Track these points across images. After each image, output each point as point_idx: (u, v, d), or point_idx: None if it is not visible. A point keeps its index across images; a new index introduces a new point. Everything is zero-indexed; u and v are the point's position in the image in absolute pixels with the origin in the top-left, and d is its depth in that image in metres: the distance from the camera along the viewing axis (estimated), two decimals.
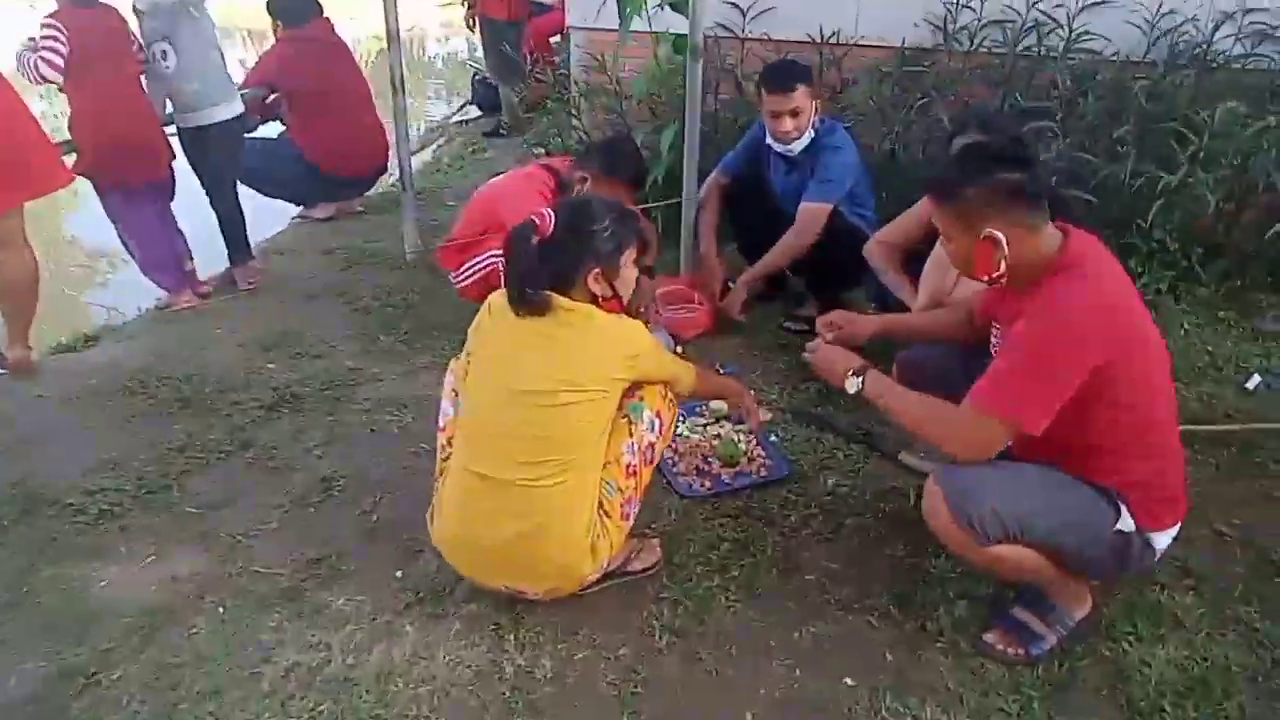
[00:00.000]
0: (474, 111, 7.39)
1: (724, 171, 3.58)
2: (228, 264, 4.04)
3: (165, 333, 3.59)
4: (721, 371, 3.26)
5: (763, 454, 2.76)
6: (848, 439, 2.86)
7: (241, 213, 3.96)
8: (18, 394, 3.14)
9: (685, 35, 3.83)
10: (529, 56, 5.77)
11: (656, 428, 2.17)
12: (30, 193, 3.05)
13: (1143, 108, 3.54)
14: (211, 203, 3.87)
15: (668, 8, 3.71)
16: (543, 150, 5.97)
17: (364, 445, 2.84)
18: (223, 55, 3.80)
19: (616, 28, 4.48)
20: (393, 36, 3.85)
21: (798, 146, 3.28)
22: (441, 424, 2.26)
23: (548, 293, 1.99)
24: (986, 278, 1.90)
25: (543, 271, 1.99)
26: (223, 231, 3.92)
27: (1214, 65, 3.74)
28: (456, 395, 2.23)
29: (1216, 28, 3.73)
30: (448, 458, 2.20)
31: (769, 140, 3.35)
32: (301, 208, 4.83)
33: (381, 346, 3.45)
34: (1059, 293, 1.80)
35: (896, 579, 2.26)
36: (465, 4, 6.64)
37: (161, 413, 3.00)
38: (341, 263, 4.25)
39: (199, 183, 3.84)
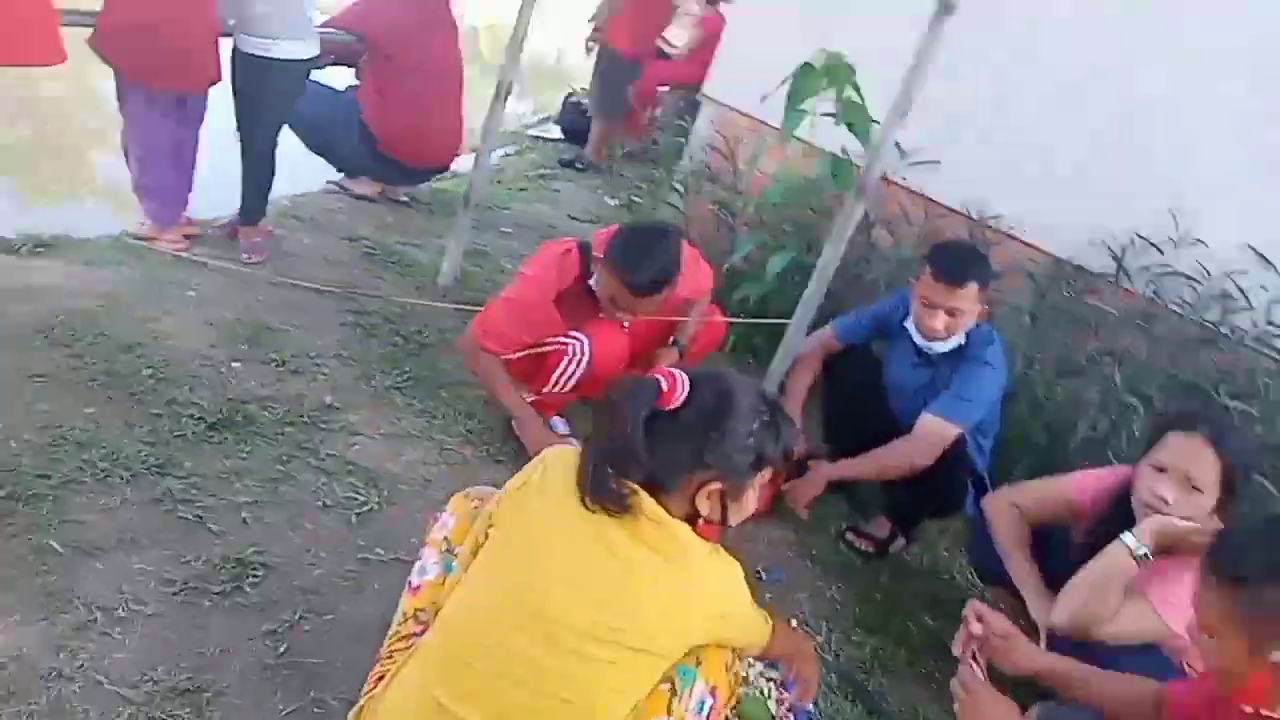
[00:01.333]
0: (554, 131, 6.82)
1: (838, 334, 2.98)
2: (235, 219, 3.37)
3: (128, 275, 2.90)
4: (764, 577, 2.63)
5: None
6: None
7: (273, 169, 3.31)
8: None
9: (846, 160, 3.33)
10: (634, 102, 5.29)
11: (705, 709, 1.51)
12: None
13: None
14: (243, 146, 3.20)
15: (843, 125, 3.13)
16: (616, 201, 5.48)
17: (307, 524, 2.16)
18: None
19: (756, 115, 3.99)
20: (519, 40, 3.26)
21: (943, 346, 2.70)
22: (415, 581, 1.60)
23: (635, 490, 1.36)
24: (1247, 708, 1.30)
25: (645, 458, 1.36)
26: (245, 182, 3.27)
27: None
28: (450, 553, 1.58)
29: None
30: (410, 637, 1.54)
31: (908, 324, 2.77)
32: (341, 175, 4.18)
33: (373, 386, 2.77)
34: None
35: None
36: (594, 28, 6.08)
37: (75, 383, 2.31)
38: (364, 259, 3.59)
39: (236, 118, 3.18)
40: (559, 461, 1.46)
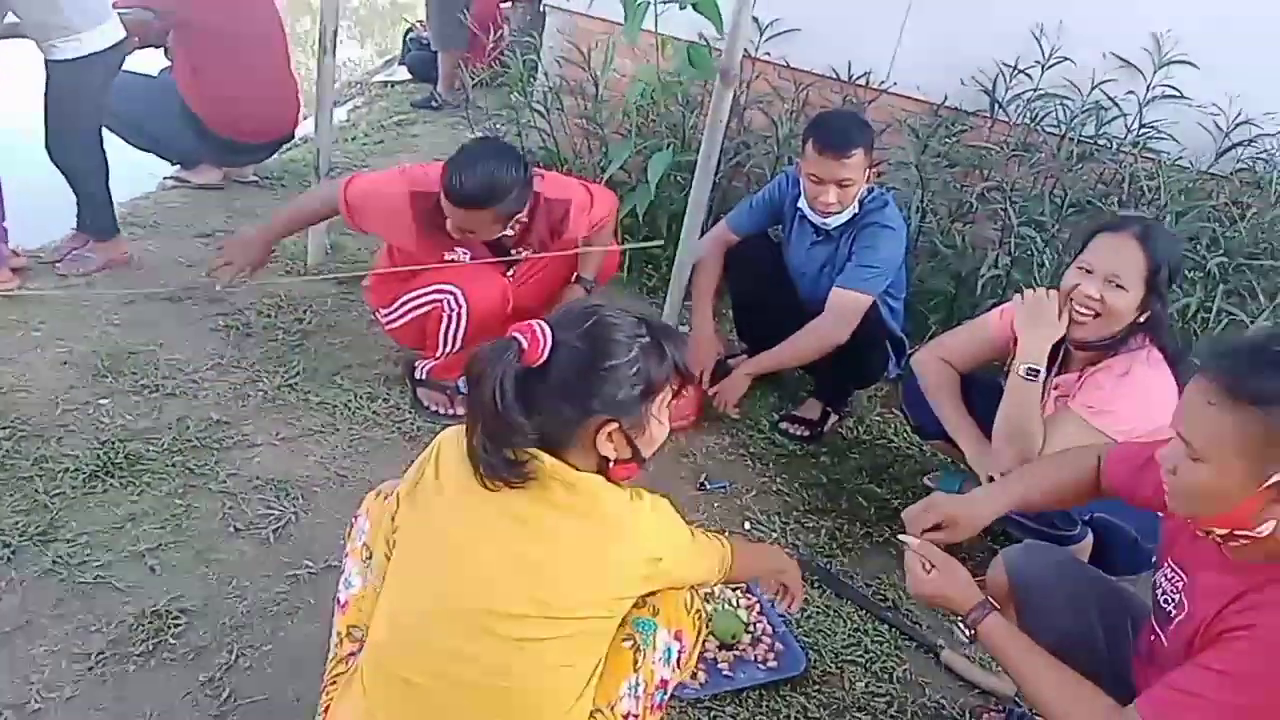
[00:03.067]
0: (402, 73, 6.42)
1: (732, 228, 2.88)
2: (76, 237, 3.05)
3: None
4: (708, 487, 2.58)
5: (770, 633, 2.09)
6: (873, 614, 2.23)
7: (107, 173, 2.98)
8: None
9: (701, 46, 3.17)
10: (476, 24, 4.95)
11: (674, 656, 1.45)
12: None
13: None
14: (59, 155, 2.86)
15: (689, 7, 2.95)
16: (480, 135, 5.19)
17: (221, 555, 2.00)
18: None
19: (604, 16, 3.78)
20: None
21: (839, 219, 2.63)
22: (342, 597, 1.48)
23: (533, 455, 1.26)
24: (1220, 530, 1.28)
25: (528, 421, 1.25)
26: (78, 196, 2.95)
27: None
28: (369, 557, 1.46)
29: None
30: (347, 658, 1.43)
31: (801, 204, 2.68)
32: (177, 168, 3.82)
33: (261, 391, 2.57)
34: None
35: None
36: None
37: None
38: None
39: (47, 133, 2.82)
40: (452, 444, 1.34)
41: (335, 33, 3.05)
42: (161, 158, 3.77)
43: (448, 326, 2.54)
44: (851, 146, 2.49)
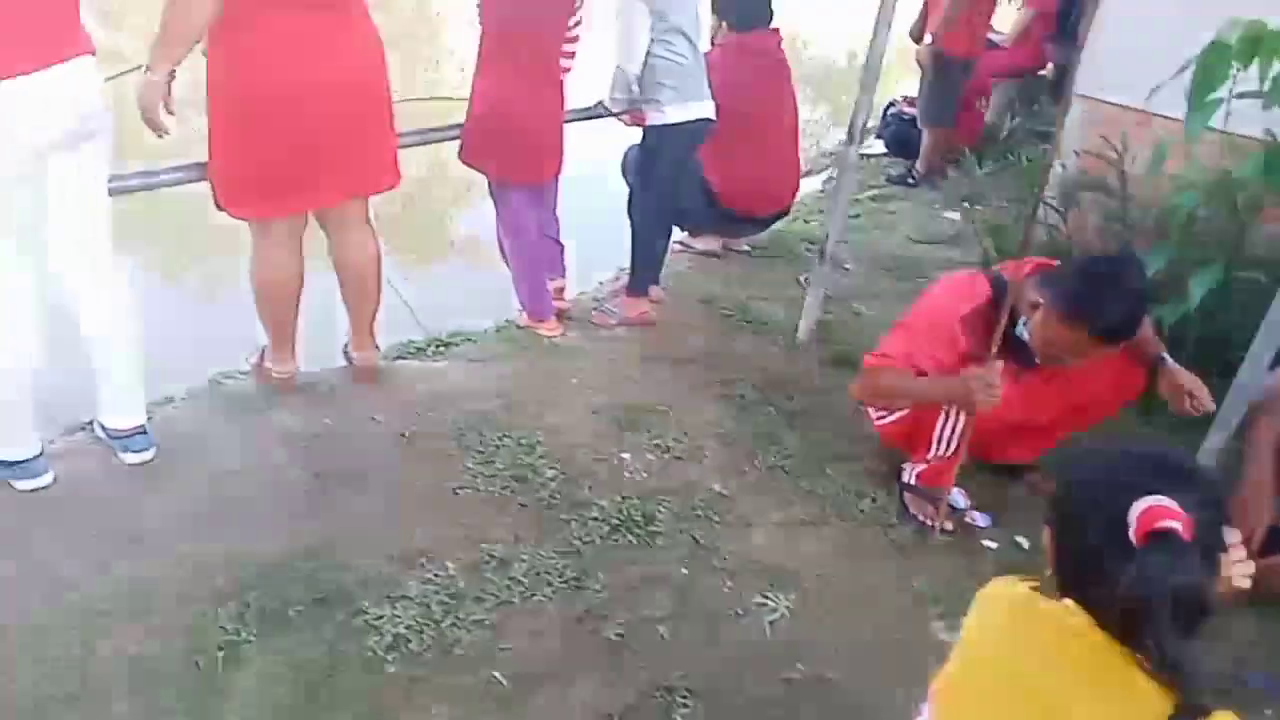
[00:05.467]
0: (877, 145, 6.44)
1: None
2: (622, 288, 3.47)
3: (517, 368, 3.02)
4: (1252, 684, 2.15)
5: None
6: None
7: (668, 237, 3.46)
8: (350, 410, 2.68)
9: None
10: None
11: None
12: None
13: None
14: (633, 211, 3.37)
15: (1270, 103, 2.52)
16: (956, 215, 5.02)
17: (724, 636, 2.06)
18: None
19: (1147, 108, 3.41)
20: (874, 72, 3.01)
21: None
22: None
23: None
24: None
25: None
26: (633, 252, 3.41)
27: None
28: None
29: None
30: None
31: None
32: (684, 234, 4.16)
33: (757, 468, 2.65)
34: None
35: None
36: (922, 35, 5.52)
37: (481, 493, 2.39)
38: (720, 321, 3.52)
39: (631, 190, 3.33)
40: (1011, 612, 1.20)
41: (865, 127, 3.10)
42: (677, 225, 4.12)
43: (943, 426, 2.40)
44: None
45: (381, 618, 1.94)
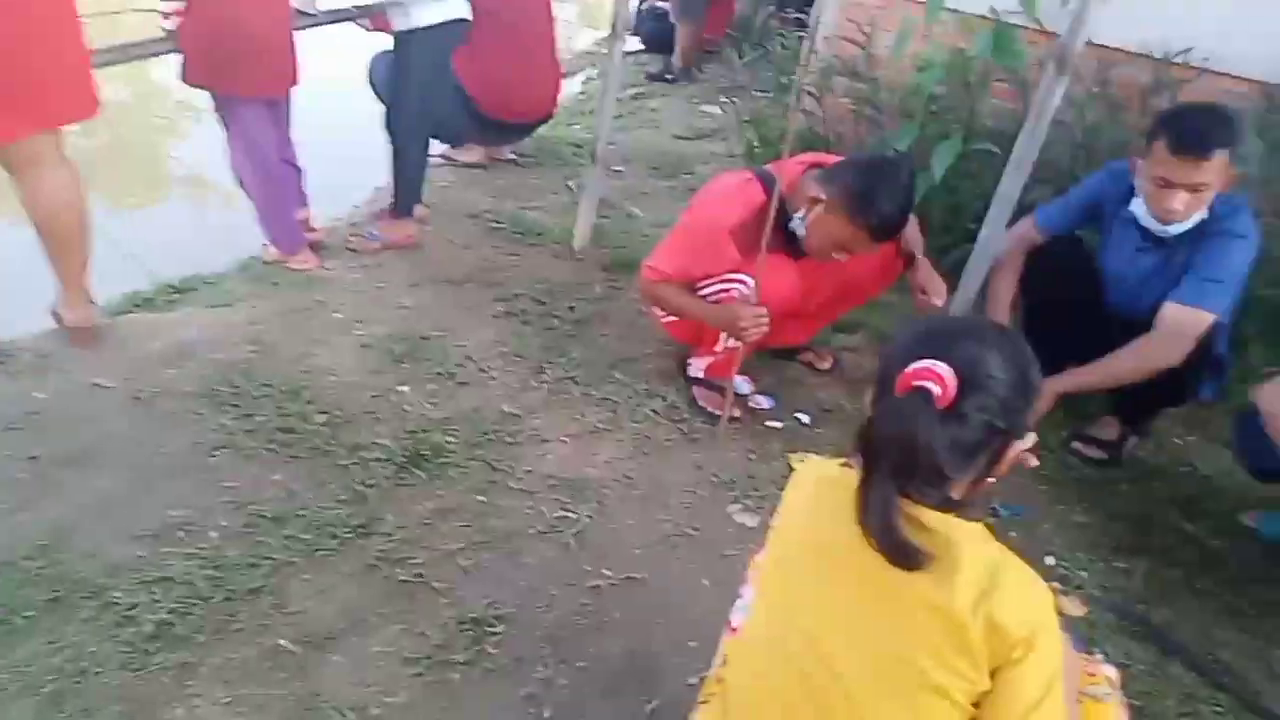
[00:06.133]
0: (633, 43, 6.36)
1: (1041, 226, 2.61)
2: (383, 210, 3.21)
3: (269, 309, 2.74)
4: (1003, 514, 2.37)
5: (1121, 684, 1.86)
6: (1209, 680, 1.96)
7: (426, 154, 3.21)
8: (70, 379, 2.32)
9: (1009, 28, 2.87)
10: None
11: None
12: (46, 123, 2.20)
13: None
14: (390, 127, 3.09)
15: None
16: (719, 110, 5.06)
17: (526, 559, 2.00)
18: None
19: None
20: None
21: (1180, 228, 2.31)
22: (734, 621, 1.38)
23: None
24: None
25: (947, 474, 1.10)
26: (395, 172, 3.15)
27: None
28: None
29: None
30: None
31: (1134, 207, 2.38)
32: (445, 146, 3.91)
33: (545, 381, 2.58)
34: None
35: None
36: None
37: (243, 450, 2.15)
38: (491, 234, 3.36)
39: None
40: (823, 487, 1.22)
41: (625, 20, 2.98)
42: (434, 137, 3.86)
43: None
44: (1212, 147, 2.16)
45: (137, 606, 1.71)
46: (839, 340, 3.00)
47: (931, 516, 1.11)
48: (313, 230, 3.07)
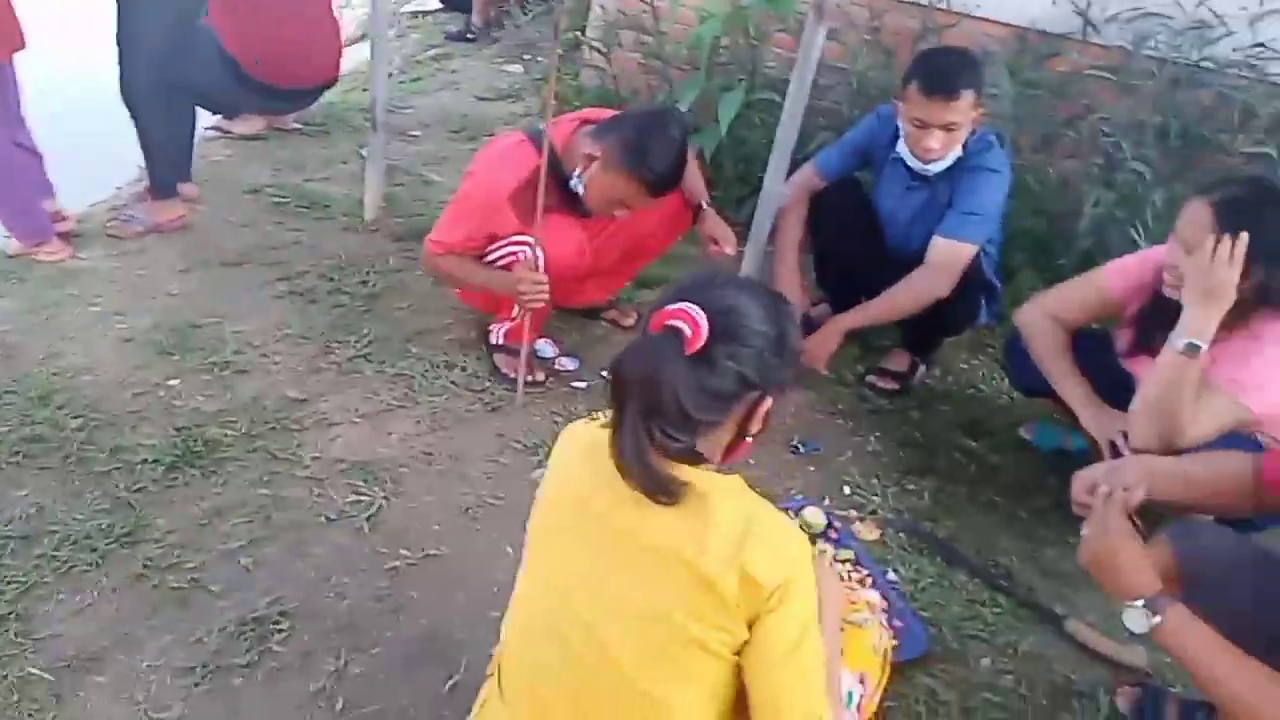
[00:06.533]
0: (433, 2, 6.12)
1: (820, 171, 2.69)
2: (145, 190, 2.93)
3: (13, 306, 2.47)
4: (801, 450, 2.45)
5: (884, 606, 1.97)
6: (989, 584, 2.11)
7: (179, 125, 2.94)
8: None
9: None
10: None
11: (855, 700, 1.34)
12: None
13: None
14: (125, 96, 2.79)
15: None
16: (522, 70, 4.95)
17: (316, 549, 1.90)
18: None
19: None
20: None
21: (940, 165, 2.43)
22: None
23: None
24: None
25: (692, 416, 1.10)
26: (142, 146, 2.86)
27: None
28: None
29: None
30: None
31: (899, 148, 2.49)
32: (218, 117, 3.63)
33: (335, 363, 2.45)
34: None
35: None
36: None
37: None
38: (274, 210, 3.16)
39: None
40: (584, 439, 1.23)
41: None
42: (203, 107, 3.57)
43: None
44: (959, 88, 2.28)
45: None
46: (642, 297, 3.00)
47: (686, 470, 1.11)
48: (63, 219, 2.79)
